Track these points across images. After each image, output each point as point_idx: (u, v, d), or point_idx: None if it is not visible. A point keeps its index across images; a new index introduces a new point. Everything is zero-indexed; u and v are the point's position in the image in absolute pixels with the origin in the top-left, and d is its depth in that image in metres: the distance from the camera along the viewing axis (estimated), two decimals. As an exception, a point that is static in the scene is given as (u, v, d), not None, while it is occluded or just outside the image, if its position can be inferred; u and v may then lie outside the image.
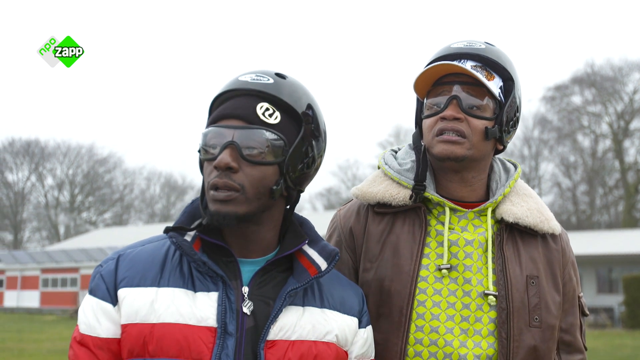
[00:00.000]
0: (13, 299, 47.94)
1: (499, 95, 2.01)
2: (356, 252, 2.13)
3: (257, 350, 1.69)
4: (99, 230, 62.88)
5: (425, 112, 2.04)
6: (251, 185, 1.70)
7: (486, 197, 2.09)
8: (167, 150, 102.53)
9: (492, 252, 2.00)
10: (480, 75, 1.98)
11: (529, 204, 2.06)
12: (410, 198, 2.05)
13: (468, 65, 2.00)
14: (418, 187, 2.04)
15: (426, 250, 2.03)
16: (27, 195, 68.04)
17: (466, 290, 1.97)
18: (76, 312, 37.43)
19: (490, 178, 2.11)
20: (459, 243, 2.01)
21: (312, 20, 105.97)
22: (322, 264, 1.82)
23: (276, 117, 1.75)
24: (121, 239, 47.76)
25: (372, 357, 1.94)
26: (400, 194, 2.06)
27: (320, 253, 1.85)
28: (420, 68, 2.05)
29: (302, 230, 1.89)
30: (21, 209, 67.65)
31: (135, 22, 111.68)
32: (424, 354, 1.96)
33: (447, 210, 2.03)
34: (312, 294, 1.83)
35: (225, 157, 1.68)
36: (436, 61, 2.05)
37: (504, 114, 2.00)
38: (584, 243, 35.98)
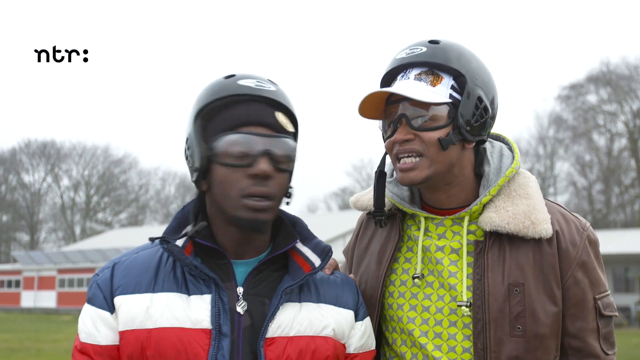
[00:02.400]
0: (30, 299, 48.26)
1: (451, 96, 1.93)
2: (346, 252, 2.31)
3: (257, 348, 1.72)
4: (115, 230, 63.17)
5: (383, 134, 2.04)
6: (280, 192, 1.77)
7: (473, 200, 2.04)
8: (182, 150, 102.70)
9: (469, 260, 1.97)
10: (418, 88, 1.93)
11: (516, 208, 1.97)
12: (375, 216, 2.10)
13: (412, 74, 1.96)
14: (376, 213, 2.08)
15: (407, 254, 2.07)
16: (43, 196, 68.63)
17: (440, 295, 1.97)
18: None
19: (481, 182, 2.05)
20: (431, 249, 2.01)
21: (324, 18, 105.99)
22: (316, 261, 1.86)
23: (291, 126, 1.81)
24: (136, 240, 47.94)
25: (373, 348, 1.98)
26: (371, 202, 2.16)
27: (314, 250, 1.88)
28: (360, 95, 2.01)
29: (295, 229, 1.92)
30: (37, 210, 68.20)
31: (151, 23, 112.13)
32: (407, 355, 2.00)
33: (422, 219, 2.04)
34: (308, 290, 1.86)
35: (266, 166, 1.71)
36: (384, 77, 2.05)
37: (459, 114, 1.92)
38: (600, 242, 35.69)
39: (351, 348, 1.90)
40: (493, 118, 2.02)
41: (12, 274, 50.15)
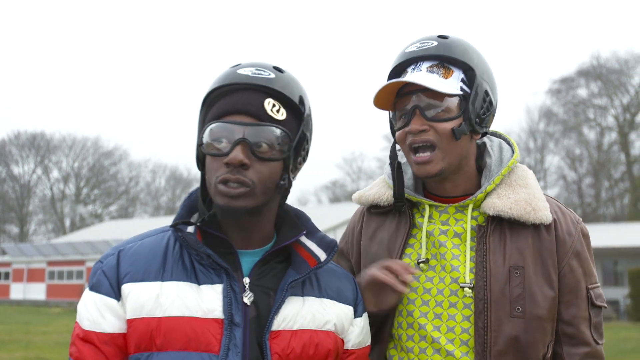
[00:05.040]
0: (19, 291, 48.13)
1: (461, 89, 2.00)
2: (349, 246, 2.29)
3: (262, 340, 1.72)
4: (105, 223, 63.02)
5: (396, 125, 2.08)
6: (260, 181, 1.73)
7: (475, 189, 2.11)
8: (173, 143, 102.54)
9: (472, 243, 2.04)
10: (432, 79, 1.98)
11: (518, 195, 2.06)
12: (397, 207, 2.14)
13: (424, 67, 2.01)
14: (397, 203, 2.13)
15: (411, 241, 2.11)
16: (33, 188, 68.33)
17: (442, 277, 2.03)
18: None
19: (483, 172, 2.13)
20: (434, 233, 2.07)
21: (319, 12, 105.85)
22: (322, 255, 1.86)
23: (282, 114, 1.77)
24: (127, 232, 47.82)
25: (369, 344, 2.00)
26: (385, 195, 2.19)
27: (319, 244, 1.89)
28: (376, 85, 2.05)
29: (299, 222, 1.92)
30: (27, 202, 67.91)
31: (140, 16, 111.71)
32: (403, 337, 2.05)
33: (427, 207, 2.10)
34: (310, 284, 1.87)
35: (238, 154, 1.69)
36: (393, 70, 2.09)
37: (470, 106, 1.99)
38: (590, 236, 35.93)
39: (349, 344, 1.91)
40: (494, 112, 2.10)
41: (2, 266, 49.97)
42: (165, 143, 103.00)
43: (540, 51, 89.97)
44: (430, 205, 2.10)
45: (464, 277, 2.00)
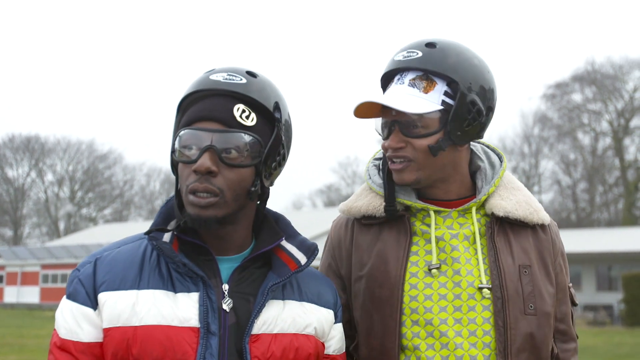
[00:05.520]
0: (13, 294, 48.00)
1: (443, 103, 1.98)
2: (338, 260, 2.20)
3: (242, 345, 1.71)
4: (99, 226, 62.88)
5: (381, 133, 2.08)
6: (229, 188, 1.72)
7: (469, 193, 2.12)
8: (167, 146, 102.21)
9: (482, 244, 2.05)
10: (409, 98, 1.97)
11: (517, 197, 2.10)
12: (389, 212, 2.11)
13: (407, 79, 2.00)
14: (389, 208, 2.10)
15: (414, 248, 2.07)
16: (27, 191, 68.08)
17: (456, 282, 2.01)
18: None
19: (476, 175, 2.14)
20: (445, 237, 2.05)
21: (313, 16, 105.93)
22: (302, 259, 1.85)
23: (252, 119, 1.75)
24: (121, 235, 47.25)
25: (344, 351, 1.99)
26: (381, 205, 2.13)
27: (299, 248, 1.87)
28: (355, 100, 2.04)
29: (278, 226, 1.91)
30: (21, 205, 67.69)
31: (135, 19, 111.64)
32: (422, 346, 2.00)
33: (432, 213, 2.07)
34: (290, 288, 1.86)
35: (205, 161, 1.69)
36: (383, 77, 2.09)
37: (451, 120, 1.97)
38: (584, 241, 35.94)
39: (330, 349, 1.91)
40: (491, 112, 2.08)
41: (-5, 269, 49.84)
42: (160, 147, 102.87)
43: (535, 56, 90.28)
44: (435, 211, 2.09)
45: (481, 279, 2.01)
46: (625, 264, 35.65)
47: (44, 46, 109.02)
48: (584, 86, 53.61)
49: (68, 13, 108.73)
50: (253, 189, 1.76)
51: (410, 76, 2.01)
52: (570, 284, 2.20)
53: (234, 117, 1.73)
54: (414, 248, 2.08)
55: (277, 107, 1.81)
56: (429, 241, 2.07)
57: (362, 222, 2.17)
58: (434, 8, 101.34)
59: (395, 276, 2.04)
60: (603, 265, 37.17)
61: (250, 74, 1.80)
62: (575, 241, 34.61)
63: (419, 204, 2.08)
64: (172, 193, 1.84)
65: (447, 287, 2.01)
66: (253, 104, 1.77)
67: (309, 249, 1.87)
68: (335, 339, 1.92)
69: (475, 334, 1.98)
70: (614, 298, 33.76)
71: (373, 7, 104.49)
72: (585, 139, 54.53)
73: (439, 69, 1.98)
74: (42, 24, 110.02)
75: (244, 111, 1.74)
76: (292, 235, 1.90)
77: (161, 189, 72.24)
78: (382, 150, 2.13)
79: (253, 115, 1.75)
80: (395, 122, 2.00)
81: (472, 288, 2.00)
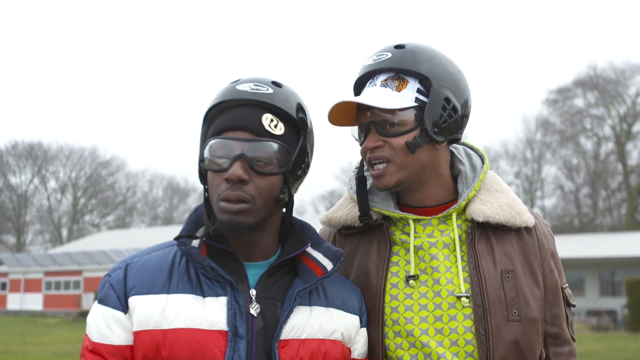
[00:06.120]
0: (16, 301, 48.04)
1: (417, 100, 1.98)
2: None
3: (271, 349, 1.75)
4: (102, 233, 62.96)
5: (357, 141, 2.08)
6: (260, 195, 1.76)
7: (451, 197, 2.09)
8: (170, 153, 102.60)
9: (463, 251, 2.02)
10: (382, 96, 1.98)
11: (499, 200, 2.06)
12: (364, 222, 2.09)
13: (379, 81, 2.01)
14: (362, 218, 2.09)
15: (395, 259, 2.06)
16: (30, 198, 68.25)
17: (436, 291, 1.99)
18: (80, 314, 37.50)
19: (457, 180, 2.11)
20: (424, 246, 2.03)
21: (315, 22, 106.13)
22: (328, 265, 1.88)
23: (280, 128, 1.80)
24: (124, 242, 47.85)
25: (367, 356, 2.01)
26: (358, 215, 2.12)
27: (325, 254, 1.91)
28: (327, 105, 2.04)
29: (304, 234, 1.95)
30: (24, 212, 67.80)
31: (139, 25, 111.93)
32: (405, 357, 1.98)
33: (411, 222, 2.06)
34: (317, 294, 1.89)
35: (237, 169, 1.73)
36: (355, 84, 2.10)
37: (426, 116, 1.97)
38: (587, 246, 35.95)
39: (356, 353, 1.94)
40: (466, 117, 2.06)
41: (-2, 276, 49.88)
42: (163, 153, 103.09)
43: (537, 61, 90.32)
44: (414, 220, 2.06)
45: (460, 288, 1.98)
46: (629, 268, 35.61)
47: (47, 53, 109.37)
48: (586, 91, 53.70)
49: (71, 20, 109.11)
50: (282, 196, 1.81)
51: (382, 78, 2.02)
52: (566, 285, 2.15)
53: (263, 126, 1.78)
54: (394, 258, 2.06)
55: (302, 116, 1.85)
56: (409, 251, 2.05)
57: (342, 232, 2.17)
58: (436, 12, 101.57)
59: (376, 287, 2.03)
60: (606, 271, 37.14)
61: (276, 84, 1.85)
62: (578, 246, 34.63)
63: (397, 214, 2.06)
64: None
65: (427, 297, 1.99)
66: (279, 114, 1.81)
67: (335, 255, 1.90)
68: (359, 343, 1.95)
69: (457, 343, 1.96)
70: (617, 303, 33.72)
71: (375, 13, 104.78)
72: (587, 144, 54.62)
73: (410, 67, 1.99)
74: (45, 30, 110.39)
75: (272, 120, 1.79)
76: (318, 242, 1.94)
77: (164, 196, 72.43)
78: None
79: (281, 124, 1.80)
80: (371, 123, 1.99)
81: (453, 297, 1.98)
